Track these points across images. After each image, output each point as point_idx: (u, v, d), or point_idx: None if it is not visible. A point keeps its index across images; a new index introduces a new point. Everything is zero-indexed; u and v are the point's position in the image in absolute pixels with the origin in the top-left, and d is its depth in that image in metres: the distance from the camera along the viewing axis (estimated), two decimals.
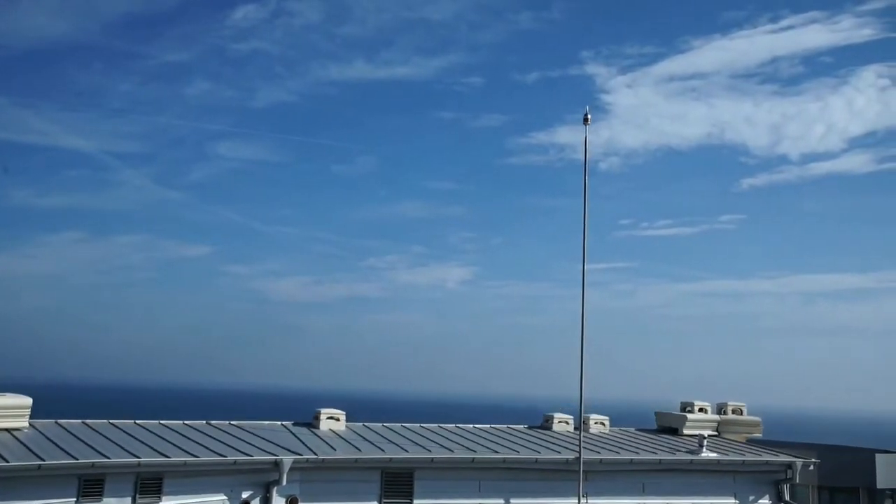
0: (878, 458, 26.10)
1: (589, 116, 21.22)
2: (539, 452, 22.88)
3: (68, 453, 17.71)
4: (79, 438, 19.21)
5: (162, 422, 22.07)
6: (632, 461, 23.24)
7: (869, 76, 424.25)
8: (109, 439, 19.51)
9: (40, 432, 19.31)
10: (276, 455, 19.83)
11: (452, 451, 22.10)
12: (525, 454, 22.62)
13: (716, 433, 27.62)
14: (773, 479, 24.51)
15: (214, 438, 20.91)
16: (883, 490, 26.06)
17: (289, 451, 20.34)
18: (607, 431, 26.86)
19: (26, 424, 19.53)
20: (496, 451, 22.54)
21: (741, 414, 28.43)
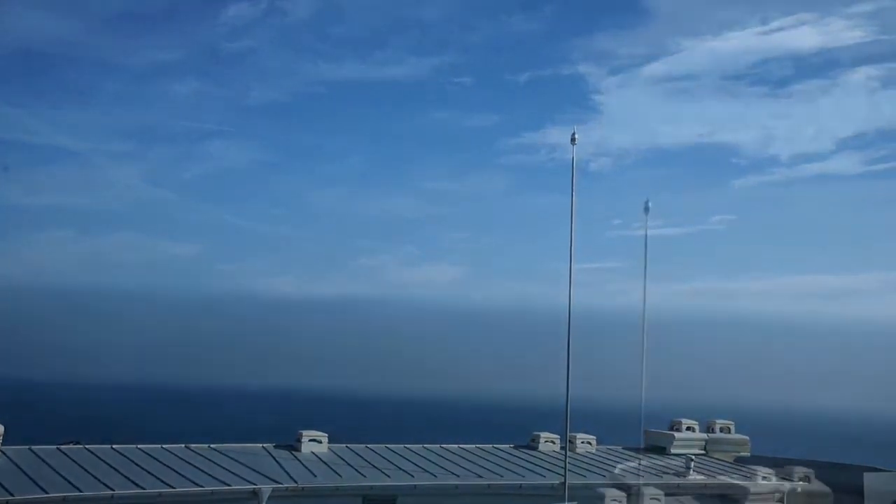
0: (867, 476, 25.75)
1: (576, 136, 20.93)
2: (524, 476, 22.51)
3: (39, 486, 17.26)
4: (52, 467, 18.74)
5: (139, 446, 21.57)
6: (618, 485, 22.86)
7: (859, 78, 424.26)
8: (83, 468, 19.03)
9: (12, 461, 18.83)
10: (254, 483, 19.41)
11: (436, 477, 21.71)
12: (510, 478, 22.25)
13: (703, 452, 27.31)
14: (761, 501, 24.20)
15: (192, 465, 20.45)
16: None
17: (268, 478, 19.92)
18: (594, 451, 26.49)
19: None
20: (480, 476, 22.16)
21: (729, 432, 28.13)
